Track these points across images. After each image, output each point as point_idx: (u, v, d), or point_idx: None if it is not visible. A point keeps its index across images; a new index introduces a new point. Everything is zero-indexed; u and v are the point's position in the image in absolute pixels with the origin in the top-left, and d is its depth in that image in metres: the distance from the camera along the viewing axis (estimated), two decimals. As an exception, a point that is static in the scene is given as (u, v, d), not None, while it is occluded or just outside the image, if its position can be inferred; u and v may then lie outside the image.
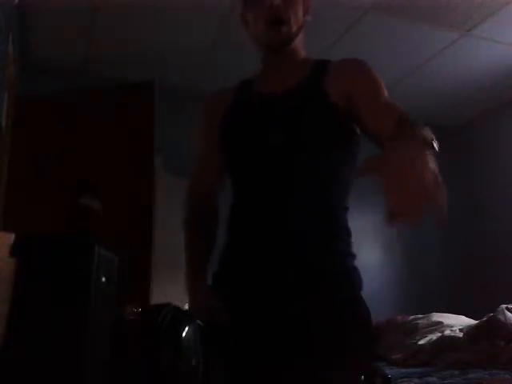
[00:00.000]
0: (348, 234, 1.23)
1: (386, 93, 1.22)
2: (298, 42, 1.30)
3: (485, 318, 2.61)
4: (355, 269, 1.21)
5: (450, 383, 2.03)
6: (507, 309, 2.58)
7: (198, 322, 0.93)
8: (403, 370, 2.33)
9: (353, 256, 1.22)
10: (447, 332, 2.77)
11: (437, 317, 3.09)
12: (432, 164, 0.81)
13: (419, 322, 3.06)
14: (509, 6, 2.97)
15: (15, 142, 2.74)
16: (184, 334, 0.86)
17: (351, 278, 1.19)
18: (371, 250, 4.14)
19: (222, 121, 1.29)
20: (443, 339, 2.66)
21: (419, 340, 2.79)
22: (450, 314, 3.17)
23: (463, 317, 3.13)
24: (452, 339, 2.62)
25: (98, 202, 2.51)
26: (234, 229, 1.25)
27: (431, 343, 2.67)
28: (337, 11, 2.99)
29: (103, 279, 0.77)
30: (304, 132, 1.19)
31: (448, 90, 4.05)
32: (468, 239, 4.35)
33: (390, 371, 2.04)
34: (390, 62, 3.63)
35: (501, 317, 2.51)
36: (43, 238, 0.76)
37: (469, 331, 2.61)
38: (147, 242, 2.50)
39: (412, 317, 3.19)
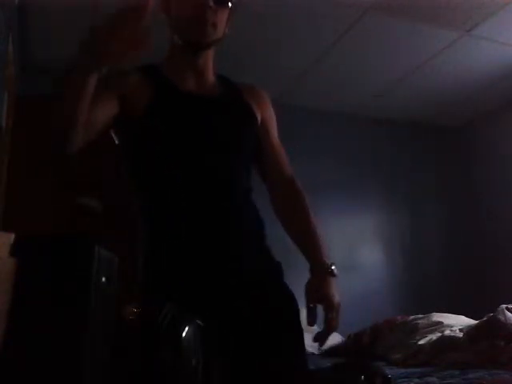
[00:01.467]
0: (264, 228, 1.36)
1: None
2: (212, 53, 1.34)
3: (485, 318, 2.60)
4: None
5: (449, 383, 2.03)
6: (507, 309, 2.57)
7: (198, 321, 0.93)
8: (403, 370, 2.33)
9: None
10: (447, 332, 2.76)
11: (437, 317, 3.08)
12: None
13: (419, 321, 3.06)
14: (509, 6, 2.97)
15: (15, 141, 2.74)
16: (184, 334, 0.86)
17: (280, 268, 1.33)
18: (371, 249, 4.14)
19: (149, 109, 1.23)
20: (443, 339, 2.65)
21: (419, 340, 2.79)
22: (450, 314, 3.17)
23: (463, 317, 3.13)
24: (452, 339, 2.62)
25: (98, 202, 2.51)
26: (168, 232, 1.22)
27: (431, 343, 2.67)
28: (337, 11, 2.99)
29: (103, 279, 0.77)
30: (242, 137, 1.31)
31: (448, 90, 4.05)
32: (468, 239, 4.35)
33: (390, 371, 2.03)
34: (390, 62, 3.63)
35: (501, 317, 2.51)
36: (43, 237, 0.76)
37: (469, 331, 2.61)
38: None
39: (412, 317, 3.19)
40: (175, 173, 1.23)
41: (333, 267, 1.27)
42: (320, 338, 1.21)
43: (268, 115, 1.40)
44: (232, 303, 1.15)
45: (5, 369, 0.69)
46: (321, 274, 1.26)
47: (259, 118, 1.36)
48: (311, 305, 1.23)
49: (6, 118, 2.57)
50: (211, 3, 1.22)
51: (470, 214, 4.43)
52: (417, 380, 2.11)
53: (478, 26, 3.18)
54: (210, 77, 1.35)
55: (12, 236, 0.75)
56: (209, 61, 1.33)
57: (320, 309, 1.24)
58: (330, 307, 1.21)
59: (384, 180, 4.32)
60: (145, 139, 1.24)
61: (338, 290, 1.25)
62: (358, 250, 4.07)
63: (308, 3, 2.89)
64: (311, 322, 1.21)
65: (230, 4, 1.29)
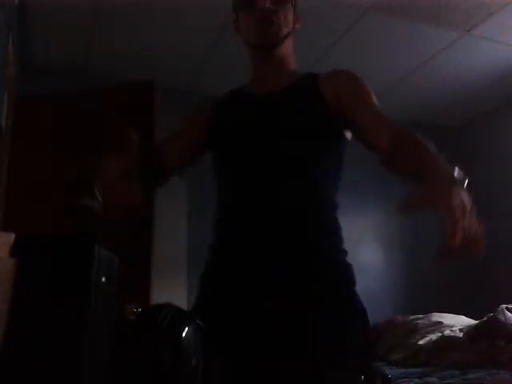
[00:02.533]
0: (337, 229, 1.24)
1: (376, 101, 1.27)
2: (288, 48, 1.35)
3: (485, 318, 2.61)
4: (347, 265, 1.21)
5: (449, 383, 2.03)
6: (507, 309, 2.58)
7: (198, 321, 0.93)
8: (403, 370, 2.34)
9: (344, 252, 1.23)
10: (447, 332, 2.77)
11: (437, 317, 3.09)
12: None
13: (419, 321, 3.06)
14: (509, 6, 2.97)
15: (15, 141, 2.74)
16: (184, 334, 0.86)
17: (344, 274, 1.19)
18: (371, 249, 4.14)
19: (211, 121, 1.33)
20: (443, 339, 2.66)
21: (419, 340, 2.80)
22: (450, 314, 3.17)
23: (463, 317, 3.13)
24: (452, 339, 2.62)
25: (97, 202, 2.51)
26: (223, 226, 1.25)
27: (431, 343, 2.67)
28: (337, 11, 2.99)
29: (103, 279, 0.77)
30: (304, 130, 1.22)
31: (448, 90, 4.05)
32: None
33: (390, 371, 2.04)
34: (390, 62, 3.63)
35: (501, 317, 2.51)
36: (43, 237, 0.76)
37: (469, 331, 2.61)
38: (147, 241, 2.50)
39: (412, 317, 3.19)
40: (229, 180, 1.27)
41: (454, 174, 0.98)
42: (442, 252, 0.91)
43: (350, 91, 1.27)
44: (253, 305, 1.13)
45: (5, 369, 0.69)
46: (439, 179, 0.97)
47: (335, 101, 1.25)
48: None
49: (5, 118, 2.57)
50: (267, 4, 1.26)
51: (470, 213, 4.42)
52: (417, 380, 2.12)
53: (478, 26, 3.18)
54: (288, 73, 1.34)
55: (12, 236, 0.75)
56: (284, 58, 1.34)
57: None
58: (452, 209, 0.89)
59: (384, 180, 4.32)
60: (211, 140, 1.32)
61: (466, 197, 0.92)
62: (358, 249, 4.07)
63: (308, 3, 2.88)
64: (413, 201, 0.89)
65: None
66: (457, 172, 1.00)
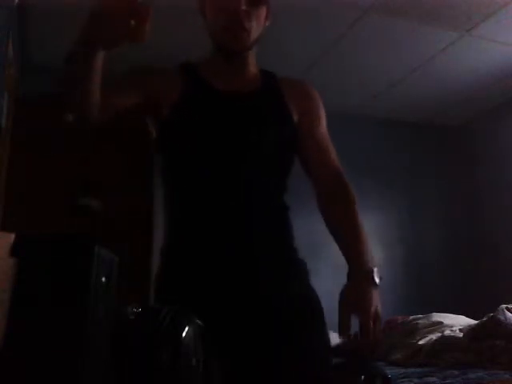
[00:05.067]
0: (284, 228, 1.29)
1: (325, 124, 1.36)
2: (254, 49, 1.31)
3: (485, 318, 2.60)
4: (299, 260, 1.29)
5: (449, 383, 2.03)
6: (507, 309, 2.58)
7: (198, 322, 0.93)
8: (403, 370, 2.33)
9: (296, 250, 1.30)
10: (447, 332, 2.76)
11: (437, 317, 3.09)
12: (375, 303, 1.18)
13: (419, 322, 3.06)
14: (509, 6, 2.97)
15: (15, 142, 2.74)
16: (184, 334, 0.86)
17: (297, 269, 1.27)
18: (371, 249, 4.14)
19: (177, 107, 1.23)
20: (443, 339, 2.65)
21: (419, 340, 2.79)
22: (450, 314, 3.17)
23: (463, 317, 3.13)
24: (452, 339, 2.62)
25: (97, 202, 2.52)
26: (188, 231, 1.23)
27: (431, 343, 2.67)
28: (337, 11, 2.99)
29: (103, 279, 0.77)
30: (273, 134, 1.24)
31: (448, 90, 4.05)
32: (468, 239, 4.35)
33: (390, 371, 2.04)
34: (390, 62, 3.63)
35: (501, 317, 2.51)
36: (43, 237, 0.76)
37: (469, 331, 2.61)
38: (147, 241, 2.50)
39: (412, 317, 3.19)
40: (195, 172, 1.23)
41: (374, 273, 1.19)
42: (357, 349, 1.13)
43: (310, 110, 1.32)
44: (238, 302, 1.14)
45: (5, 369, 0.69)
46: (359, 279, 1.17)
47: (296, 115, 1.29)
48: (345, 314, 1.12)
49: (6, 118, 2.57)
50: (244, 6, 1.18)
51: (470, 213, 4.43)
52: (417, 380, 2.11)
53: (478, 26, 3.18)
54: (250, 74, 1.30)
55: (12, 236, 0.75)
56: (247, 59, 1.30)
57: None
58: (365, 320, 1.12)
59: (384, 180, 4.32)
60: (170, 137, 1.25)
61: (378, 301, 1.18)
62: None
63: (308, 3, 2.89)
64: (344, 332, 1.10)
65: (264, 1, 1.25)
66: (374, 266, 1.23)
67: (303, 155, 1.31)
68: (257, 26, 1.24)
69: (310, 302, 1.22)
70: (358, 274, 1.17)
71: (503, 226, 4.16)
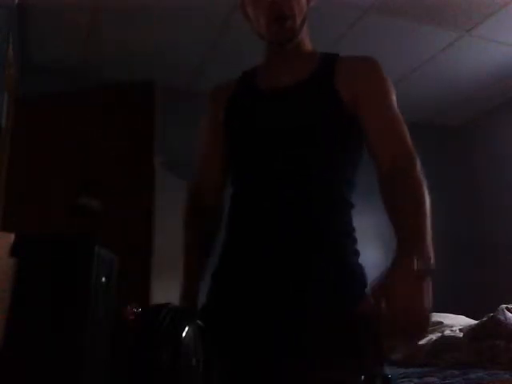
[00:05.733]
0: (350, 230, 1.20)
1: (393, 99, 1.22)
2: (304, 34, 1.27)
3: (485, 318, 2.60)
4: (355, 266, 1.18)
5: (449, 383, 2.03)
6: (507, 309, 2.57)
7: (198, 321, 0.93)
8: (403, 370, 2.33)
9: (356, 253, 1.20)
10: (447, 332, 2.76)
11: (437, 317, 3.08)
12: (427, 299, 0.96)
13: (419, 322, 3.05)
14: (509, 6, 2.97)
15: (15, 141, 2.74)
16: (184, 334, 0.86)
17: (354, 277, 1.16)
18: (371, 249, 4.13)
19: (226, 112, 1.26)
20: (443, 339, 2.65)
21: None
22: (450, 314, 3.17)
23: (463, 317, 3.13)
24: (452, 339, 2.62)
25: (97, 202, 2.52)
26: (233, 224, 1.22)
27: (431, 343, 2.67)
28: (337, 11, 2.99)
29: (103, 279, 0.77)
30: (314, 125, 1.16)
31: (448, 90, 4.05)
32: (468, 239, 4.35)
33: (390, 371, 2.03)
34: (390, 62, 3.62)
35: (501, 317, 2.51)
36: (43, 237, 0.76)
37: (469, 331, 2.61)
38: (147, 241, 2.50)
39: (412, 317, 3.18)
40: (242, 174, 1.24)
41: (413, 266, 0.95)
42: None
43: (368, 89, 1.19)
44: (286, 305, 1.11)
45: (5, 368, 0.69)
46: (396, 268, 0.95)
47: (349, 97, 1.16)
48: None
49: (6, 118, 2.57)
50: None
51: (470, 213, 4.42)
52: (417, 380, 2.11)
53: (478, 26, 3.18)
54: (302, 63, 1.24)
55: (12, 236, 0.75)
56: (300, 47, 1.26)
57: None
58: (389, 311, 0.89)
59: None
60: (225, 140, 1.26)
61: (423, 298, 0.95)
62: (358, 249, 4.06)
63: (308, 3, 2.89)
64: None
65: None
66: (426, 259, 1.01)
67: (366, 142, 1.18)
68: (299, 11, 1.21)
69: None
70: (409, 259, 0.96)
71: (503, 226, 4.16)
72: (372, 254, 4.17)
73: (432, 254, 1.01)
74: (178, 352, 0.83)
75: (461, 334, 2.65)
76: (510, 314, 2.53)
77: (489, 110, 4.36)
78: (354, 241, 1.21)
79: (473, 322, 2.84)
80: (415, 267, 0.96)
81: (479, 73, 3.79)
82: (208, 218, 1.30)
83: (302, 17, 1.23)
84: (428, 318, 0.94)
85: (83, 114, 2.73)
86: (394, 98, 1.22)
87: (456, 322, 2.97)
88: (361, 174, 1.27)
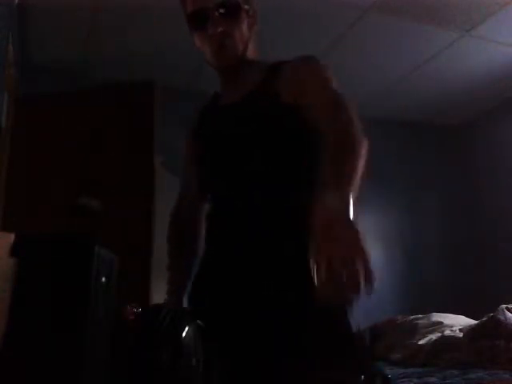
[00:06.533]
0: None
1: (333, 84, 1.21)
2: (250, 53, 1.34)
3: (485, 318, 2.60)
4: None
5: (449, 383, 2.03)
6: (507, 309, 2.58)
7: (198, 321, 0.93)
8: (403, 370, 2.33)
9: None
10: (447, 332, 2.77)
11: (437, 317, 3.09)
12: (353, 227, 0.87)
13: (419, 322, 3.06)
14: (509, 6, 2.97)
15: (15, 141, 2.74)
16: (184, 334, 0.86)
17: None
18: (371, 249, 4.14)
19: (194, 134, 1.40)
20: (443, 339, 2.66)
21: (419, 340, 2.79)
22: (450, 314, 3.17)
23: (463, 317, 3.13)
24: (452, 339, 2.62)
25: (97, 202, 2.51)
26: (208, 236, 1.31)
27: (431, 343, 2.67)
28: (337, 11, 2.99)
29: (103, 279, 0.77)
30: (259, 130, 1.21)
31: (448, 90, 4.05)
32: (468, 239, 4.35)
33: (390, 371, 2.04)
34: (390, 62, 3.63)
35: (501, 317, 2.51)
36: (43, 237, 0.76)
37: (469, 331, 2.61)
38: (147, 241, 2.50)
39: (412, 317, 3.19)
40: (209, 188, 1.34)
41: (330, 205, 0.86)
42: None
43: (308, 79, 1.20)
44: (264, 302, 1.14)
45: (5, 368, 0.69)
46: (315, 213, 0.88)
47: (290, 98, 1.19)
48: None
49: (6, 118, 2.57)
50: (219, 28, 1.22)
51: (470, 213, 4.43)
52: (417, 380, 2.11)
53: (478, 26, 3.18)
54: (252, 77, 1.30)
55: (12, 236, 0.75)
56: (247, 65, 1.32)
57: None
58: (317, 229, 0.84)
59: (384, 180, 4.32)
60: (195, 156, 1.38)
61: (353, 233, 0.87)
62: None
63: (308, 3, 2.89)
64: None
65: (240, 12, 1.27)
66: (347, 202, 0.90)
67: (310, 122, 1.17)
68: (240, 38, 1.28)
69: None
70: (325, 200, 0.88)
71: (503, 226, 4.16)
72: (372, 254, 4.17)
73: (351, 203, 0.91)
74: (178, 352, 0.83)
75: (461, 334, 2.65)
76: (510, 314, 2.54)
77: (489, 109, 4.36)
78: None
79: (473, 322, 2.84)
80: (333, 206, 0.88)
81: (479, 73, 3.79)
82: (189, 241, 1.40)
83: (245, 43, 1.30)
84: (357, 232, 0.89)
85: (83, 114, 2.73)
86: (333, 83, 1.22)
87: (456, 322, 2.97)
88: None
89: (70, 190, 2.60)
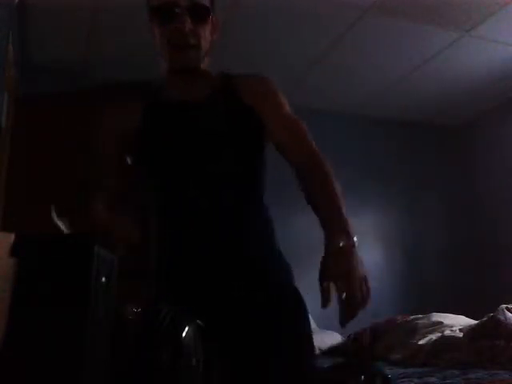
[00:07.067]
0: (271, 227, 1.28)
1: (288, 108, 1.33)
2: (205, 64, 1.33)
3: (485, 318, 2.60)
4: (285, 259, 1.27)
5: (449, 383, 2.03)
6: (507, 309, 2.57)
7: (198, 322, 0.93)
8: (403, 370, 2.33)
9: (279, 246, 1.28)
10: (447, 332, 2.76)
11: (437, 317, 3.08)
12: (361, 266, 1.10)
13: (419, 322, 3.06)
14: (509, 6, 2.98)
15: (15, 141, 2.74)
16: (184, 334, 0.86)
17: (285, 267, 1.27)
18: (371, 249, 4.14)
19: (141, 122, 1.30)
20: (443, 339, 2.65)
21: (419, 340, 2.79)
22: (450, 314, 3.17)
23: (463, 317, 3.13)
24: (452, 339, 2.62)
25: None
26: (170, 235, 1.27)
27: (431, 343, 2.67)
28: (337, 11, 2.99)
29: (103, 279, 0.77)
30: (230, 130, 1.24)
31: (448, 90, 4.05)
32: (468, 239, 4.36)
33: (390, 371, 2.03)
34: (390, 62, 3.63)
35: (501, 317, 2.51)
36: (43, 237, 0.76)
37: (469, 331, 2.61)
38: (147, 241, 2.50)
39: (412, 317, 3.19)
40: (163, 182, 1.28)
41: (341, 244, 1.08)
42: (340, 320, 1.04)
43: (266, 99, 1.30)
44: (233, 303, 1.15)
45: (5, 368, 0.69)
46: (330, 250, 1.08)
47: (255, 107, 1.28)
48: (324, 283, 1.06)
49: (6, 118, 2.57)
50: (187, 27, 1.20)
51: (470, 213, 4.43)
52: (417, 380, 2.11)
53: (478, 26, 3.18)
54: (207, 81, 1.33)
55: (12, 236, 0.75)
56: (200, 73, 1.32)
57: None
58: (346, 282, 1.04)
59: (384, 180, 4.32)
60: (139, 154, 1.31)
61: (360, 263, 1.08)
62: (358, 249, 4.06)
63: (308, 3, 2.89)
64: (324, 303, 1.05)
65: (208, 17, 1.26)
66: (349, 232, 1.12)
67: (274, 142, 1.29)
68: (205, 42, 1.27)
69: (288, 301, 1.22)
70: (328, 245, 1.09)
71: (503, 226, 4.16)
72: (372, 254, 4.18)
73: (351, 228, 1.14)
74: (178, 352, 0.83)
75: (461, 334, 2.65)
76: (510, 314, 2.53)
77: (489, 109, 4.36)
78: (276, 239, 1.29)
79: (473, 322, 2.84)
80: (343, 244, 1.10)
81: (479, 73, 3.79)
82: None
83: (206, 49, 1.29)
84: (364, 276, 1.09)
85: (83, 114, 2.73)
86: (288, 107, 1.34)
87: (456, 322, 2.97)
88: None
89: (69, 190, 2.60)
